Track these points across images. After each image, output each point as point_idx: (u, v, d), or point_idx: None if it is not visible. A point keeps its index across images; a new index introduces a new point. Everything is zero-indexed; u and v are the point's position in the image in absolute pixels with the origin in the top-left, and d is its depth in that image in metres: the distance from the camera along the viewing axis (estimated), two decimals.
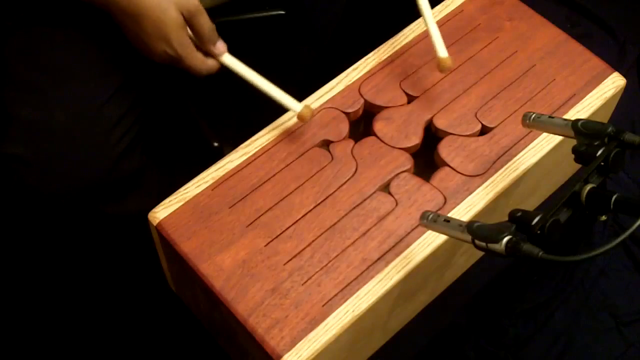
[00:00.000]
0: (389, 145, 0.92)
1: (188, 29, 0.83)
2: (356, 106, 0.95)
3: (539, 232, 0.70)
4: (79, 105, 0.83)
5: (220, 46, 0.87)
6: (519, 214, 0.71)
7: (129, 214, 0.93)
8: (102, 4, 0.80)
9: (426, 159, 0.94)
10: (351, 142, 0.92)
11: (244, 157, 0.91)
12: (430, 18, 0.93)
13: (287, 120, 0.93)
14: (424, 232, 0.86)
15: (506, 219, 0.72)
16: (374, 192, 0.89)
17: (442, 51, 0.92)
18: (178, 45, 0.81)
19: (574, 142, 0.79)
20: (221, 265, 0.83)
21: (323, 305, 0.81)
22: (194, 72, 0.85)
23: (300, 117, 0.89)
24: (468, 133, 0.94)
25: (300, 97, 0.92)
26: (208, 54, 0.86)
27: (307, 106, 0.89)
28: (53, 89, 0.82)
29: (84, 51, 0.85)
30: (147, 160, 0.94)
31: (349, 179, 0.90)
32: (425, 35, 1.01)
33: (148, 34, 0.80)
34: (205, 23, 0.83)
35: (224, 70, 0.88)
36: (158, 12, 0.79)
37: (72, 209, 0.89)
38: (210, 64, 0.86)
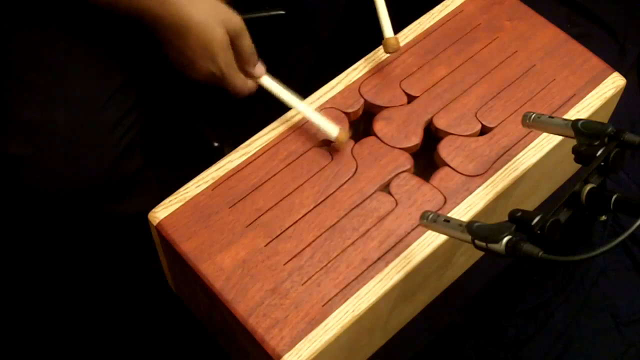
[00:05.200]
0: (389, 145, 0.92)
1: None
2: (356, 106, 0.95)
3: (539, 232, 0.70)
4: (79, 106, 0.83)
5: (259, 68, 0.87)
6: (519, 214, 0.71)
7: (129, 214, 0.93)
8: (146, 20, 0.80)
9: (426, 159, 0.94)
10: (351, 142, 0.92)
11: (244, 157, 0.91)
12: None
13: (287, 120, 0.93)
14: (424, 232, 0.86)
15: (506, 219, 0.72)
16: (374, 192, 0.89)
17: (388, 32, 0.94)
18: (223, 63, 0.81)
19: (574, 142, 0.79)
20: (221, 265, 0.83)
21: (323, 305, 0.81)
22: (234, 93, 0.86)
23: (337, 141, 0.89)
24: (468, 133, 0.94)
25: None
26: (247, 75, 0.87)
27: (343, 130, 0.90)
28: (54, 90, 0.82)
29: (85, 52, 0.85)
30: (147, 161, 0.94)
31: (349, 179, 0.90)
32: (426, 35, 1.01)
33: (193, 51, 0.80)
34: (248, 44, 0.84)
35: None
36: (206, 30, 0.79)
37: (73, 209, 0.89)
38: (250, 85, 0.87)
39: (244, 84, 0.86)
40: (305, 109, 0.90)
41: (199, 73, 0.82)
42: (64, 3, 0.84)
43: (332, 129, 0.89)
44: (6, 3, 0.85)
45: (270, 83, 0.89)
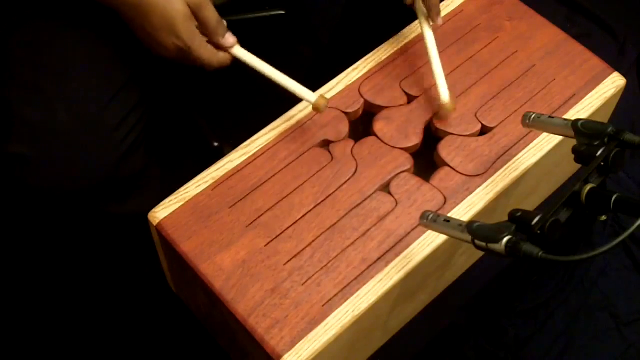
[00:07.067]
0: (389, 145, 0.92)
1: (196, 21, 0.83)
2: (356, 106, 0.95)
3: (539, 232, 0.70)
4: (82, 105, 0.83)
5: (230, 38, 0.86)
6: (519, 214, 0.71)
7: (130, 214, 0.93)
8: (110, 3, 0.80)
9: (426, 159, 0.94)
10: (351, 142, 0.92)
11: (244, 157, 0.91)
12: (435, 58, 0.92)
13: (287, 120, 0.93)
14: (424, 232, 0.86)
15: (506, 219, 0.72)
16: (374, 192, 0.89)
17: (444, 95, 0.92)
18: (186, 36, 0.80)
19: (574, 142, 0.79)
20: (221, 265, 0.83)
21: (323, 305, 0.81)
22: (204, 65, 0.85)
23: (315, 107, 0.88)
24: (468, 133, 0.94)
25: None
26: (219, 48, 0.85)
27: (321, 96, 0.88)
28: (56, 89, 0.82)
29: (88, 50, 0.85)
30: (150, 160, 0.94)
31: (349, 179, 0.90)
32: None
33: (155, 26, 0.80)
34: (212, 15, 0.82)
35: (231, 66, 0.87)
36: (164, 4, 0.78)
37: (75, 208, 0.89)
38: (221, 56, 0.85)
39: (213, 56, 0.84)
40: (282, 77, 0.87)
41: (165, 50, 0.82)
42: (66, 2, 0.84)
43: (310, 96, 0.88)
44: (8, 1, 0.85)
45: (243, 53, 0.87)
